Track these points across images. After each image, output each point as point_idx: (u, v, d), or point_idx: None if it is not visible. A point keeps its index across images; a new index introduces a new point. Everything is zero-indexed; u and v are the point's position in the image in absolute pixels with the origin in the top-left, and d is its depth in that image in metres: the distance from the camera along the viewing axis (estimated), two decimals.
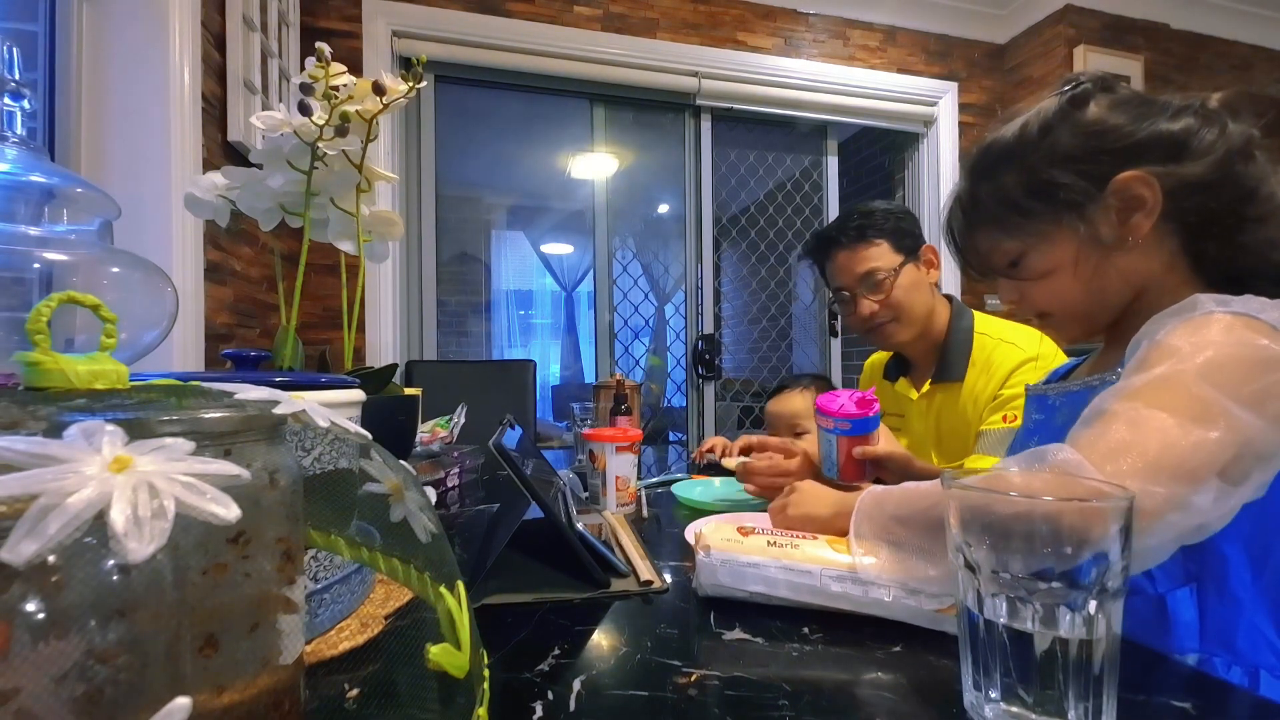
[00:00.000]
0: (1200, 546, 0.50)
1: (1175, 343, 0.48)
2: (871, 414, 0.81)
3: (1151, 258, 0.57)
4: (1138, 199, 0.55)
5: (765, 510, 0.89)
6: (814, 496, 0.67)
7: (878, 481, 1.10)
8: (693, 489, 1.00)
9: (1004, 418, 0.98)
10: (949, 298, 1.16)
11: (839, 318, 2.78)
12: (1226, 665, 0.50)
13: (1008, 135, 0.61)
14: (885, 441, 0.84)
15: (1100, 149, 0.56)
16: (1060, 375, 0.74)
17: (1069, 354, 0.99)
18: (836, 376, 2.76)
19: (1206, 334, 0.47)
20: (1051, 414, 0.65)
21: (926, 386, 1.13)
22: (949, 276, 2.73)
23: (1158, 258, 0.57)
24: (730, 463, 1.04)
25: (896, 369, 1.22)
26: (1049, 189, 0.58)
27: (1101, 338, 0.67)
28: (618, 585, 0.57)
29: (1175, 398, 0.44)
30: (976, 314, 1.13)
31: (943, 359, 1.11)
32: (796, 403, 1.28)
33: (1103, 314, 0.62)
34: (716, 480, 1.09)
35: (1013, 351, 1.02)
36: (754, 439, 1.31)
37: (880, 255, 1.10)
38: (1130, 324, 0.59)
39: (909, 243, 1.12)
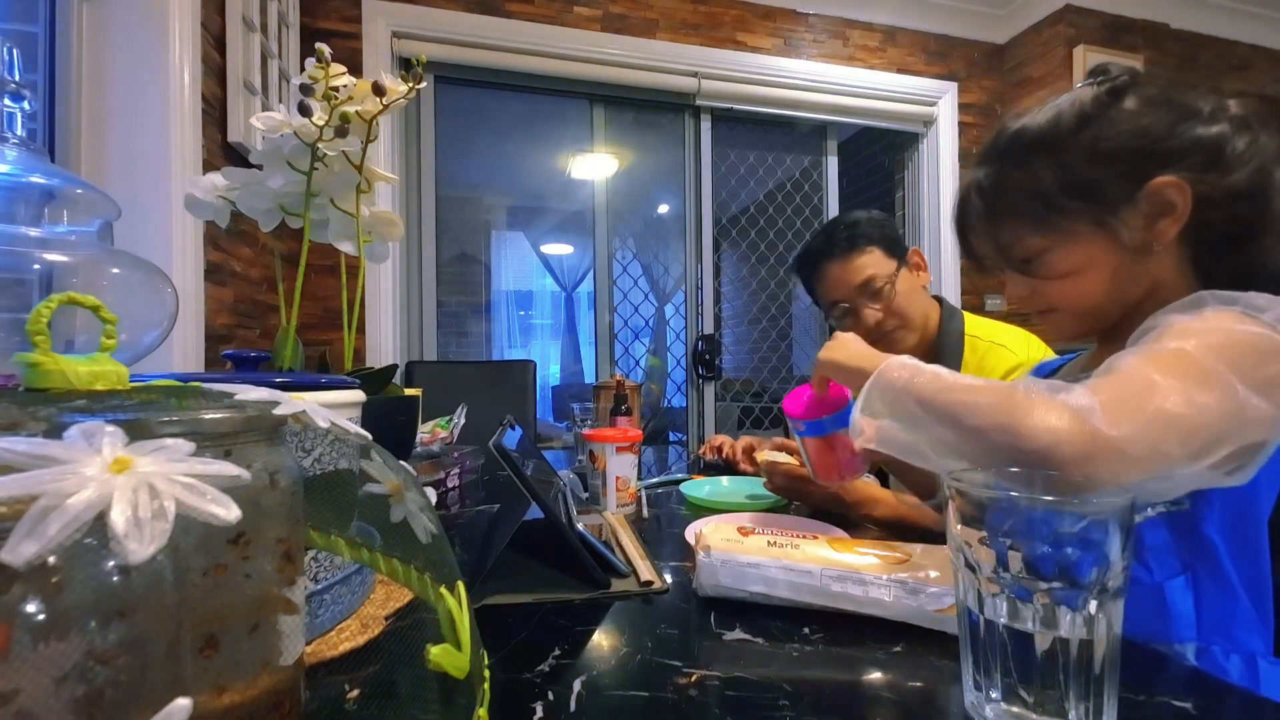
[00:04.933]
0: (1193, 535, 0.52)
1: (1189, 324, 0.48)
2: (844, 410, 0.72)
3: (1168, 264, 0.57)
4: (1169, 204, 0.54)
5: (772, 510, 0.89)
6: (848, 345, 0.64)
7: (876, 473, 1.09)
8: (700, 488, 1.00)
9: None
10: (938, 299, 1.16)
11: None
12: (1225, 653, 0.51)
13: (1041, 123, 0.59)
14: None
15: (1140, 150, 0.55)
16: (1046, 373, 0.74)
17: (1057, 353, 0.99)
18: None
19: (1218, 321, 0.48)
20: None
21: None
22: (950, 277, 2.74)
23: (1173, 264, 0.57)
24: (763, 456, 1.01)
25: None
26: (1087, 188, 0.56)
27: (1094, 338, 0.67)
28: (618, 586, 0.57)
29: (1188, 368, 0.45)
30: (966, 315, 1.12)
31: (935, 363, 1.08)
32: None
33: (1113, 315, 0.61)
34: (725, 479, 1.09)
35: (1005, 355, 1.01)
36: (755, 440, 1.31)
37: (875, 263, 1.08)
38: (1129, 324, 0.58)
39: (898, 249, 1.11)
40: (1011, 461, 0.42)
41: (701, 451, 1.35)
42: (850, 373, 0.60)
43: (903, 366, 0.54)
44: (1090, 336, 0.66)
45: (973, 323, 1.11)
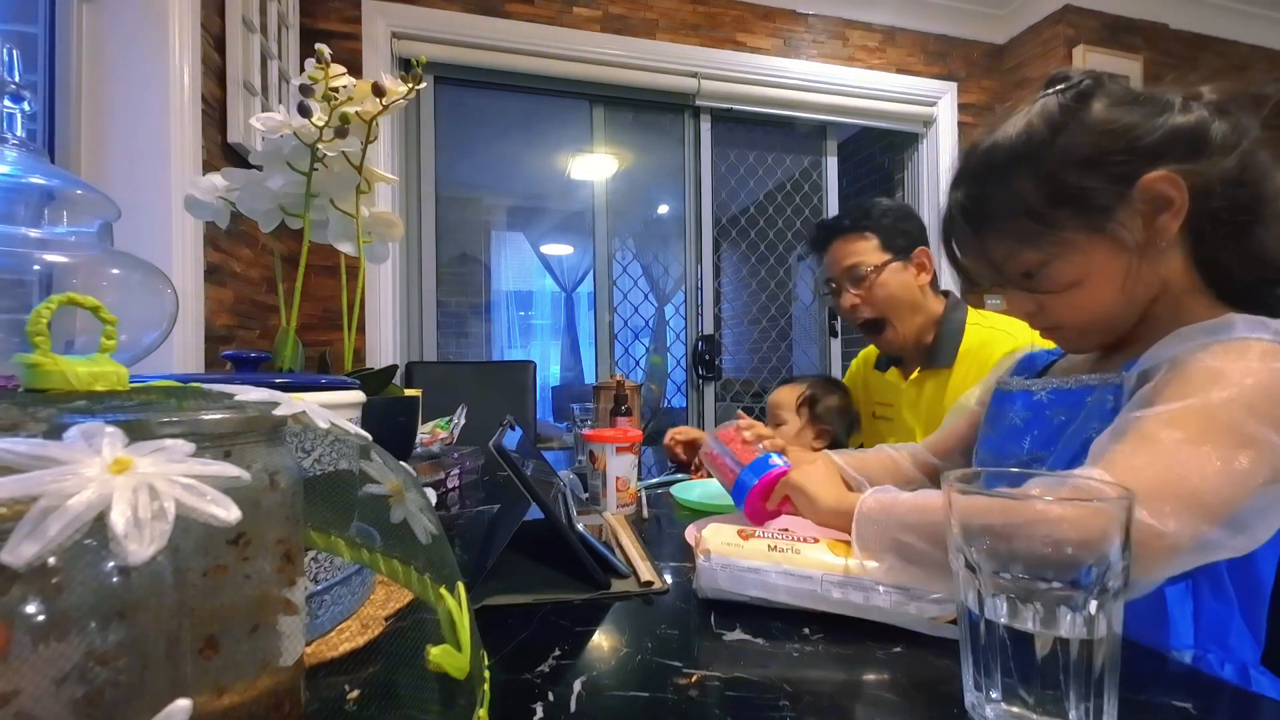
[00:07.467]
0: None
1: (1217, 365, 0.47)
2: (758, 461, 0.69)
3: (1172, 261, 0.56)
4: (1165, 199, 0.52)
5: None
6: (823, 478, 0.63)
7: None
8: (692, 490, 1.00)
9: None
10: (947, 294, 1.17)
11: (838, 317, 2.78)
12: (1220, 662, 0.51)
13: (1012, 136, 0.57)
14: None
15: (1120, 149, 0.53)
16: (1040, 367, 0.73)
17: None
18: (836, 376, 2.75)
19: (1248, 361, 0.46)
20: (1040, 410, 0.64)
21: (915, 374, 1.14)
22: (950, 277, 2.73)
23: (1176, 261, 0.56)
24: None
25: (888, 359, 1.24)
26: (1075, 196, 0.54)
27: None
28: (618, 586, 0.57)
29: (1219, 432, 0.44)
30: (970, 309, 1.14)
31: (932, 347, 1.12)
32: (783, 394, 1.31)
33: (1126, 322, 0.59)
34: (716, 481, 1.09)
35: (1006, 340, 1.03)
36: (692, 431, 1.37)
37: (866, 250, 1.13)
38: (1140, 330, 0.58)
39: (901, 242, 1.13)
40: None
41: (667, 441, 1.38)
42: (817, 508, 0.60)
43: (877, 499, 0.54)
44: (1100, 347, 0.65)
45: (976, 313, 1.13)
